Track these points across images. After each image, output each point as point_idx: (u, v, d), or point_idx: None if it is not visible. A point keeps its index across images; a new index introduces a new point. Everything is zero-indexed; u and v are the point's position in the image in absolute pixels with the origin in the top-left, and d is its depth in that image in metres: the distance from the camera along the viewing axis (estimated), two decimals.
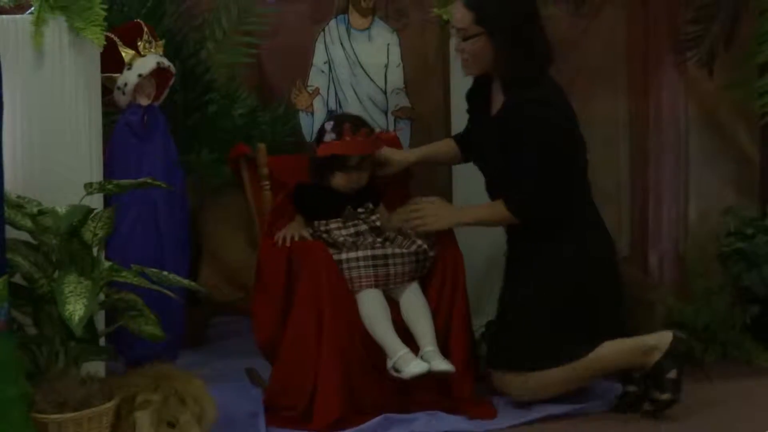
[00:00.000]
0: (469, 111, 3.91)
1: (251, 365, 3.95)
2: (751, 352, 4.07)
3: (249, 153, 3.87)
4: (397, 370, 3.51)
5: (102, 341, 3.30)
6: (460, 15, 3.65)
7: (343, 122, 3.73)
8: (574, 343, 3.60)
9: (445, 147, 3.99)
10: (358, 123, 3.76)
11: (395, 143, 4.04)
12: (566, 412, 3.61)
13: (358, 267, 3.60)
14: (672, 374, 3.59)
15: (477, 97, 3.83)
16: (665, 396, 3.58)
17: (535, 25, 3.68)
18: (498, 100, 3.72)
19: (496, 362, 3.69)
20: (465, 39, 3.65)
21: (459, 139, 3.96)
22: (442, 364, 3.51)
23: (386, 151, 3.88)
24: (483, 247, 4.03)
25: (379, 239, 3.70)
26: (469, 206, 3.81)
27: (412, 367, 3.48)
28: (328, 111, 4.18)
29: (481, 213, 3.73)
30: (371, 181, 3.82)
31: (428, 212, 3.70)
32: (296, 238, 3.66)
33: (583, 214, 3.72)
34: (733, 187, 4.49)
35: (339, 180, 3.74)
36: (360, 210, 3.77)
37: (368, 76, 4.19)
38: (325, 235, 3.71)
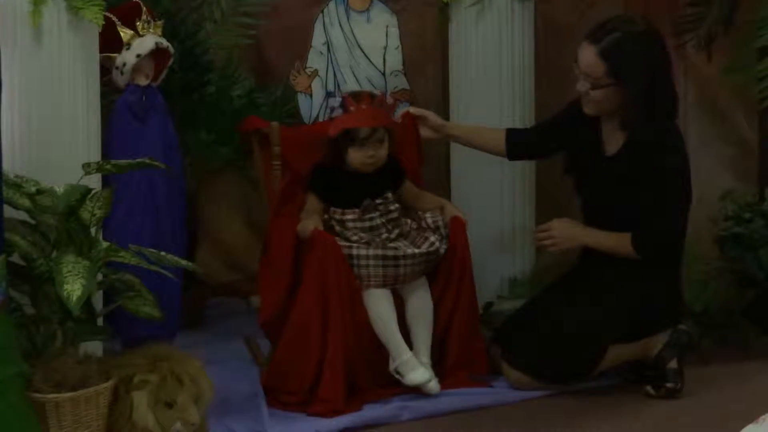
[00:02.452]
0: (557, 130, 3.84)
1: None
2: (749, 336, 4.08)
3: (263, 128, 3.79)
4: (399, 373, 3.53)
5: (100, 321, 3.30)
6: (591, 62, 3.55)
7: (348, 95, 3.76)
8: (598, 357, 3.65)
9: (492, 135, 3.93)
10: (363, 93, 3.77)
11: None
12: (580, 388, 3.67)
13: (368, 266, 3.56)
14: (673, 364, 3.63)
15: (583, 129, 3.73)
16: (669, 385, 3.61)
17: (667, 76, 3.61)
18: (614, 138, 3.67)
19: (523, 368, 3.66)
20: (594, 88, 3.58)
21: (514, 137, 3.89)
22: (432, 386, 3.54)
23: (426, 112, 3.91)
24: (482, 228, 4.02)
25: (392, 235, 3.66)
26: (597, 231, 3.72)
27: (415, 375, 3.51)
28: (327, 93, 4.15)
29: (607, 241, 3.68)
30: (392, 164, 3.75)
31: (557, 233, 3.72)
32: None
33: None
34: (731, 172, 4.50)
35: (353, 157, 3.66)
36: (378, 201, 3.69)
37: (367, 57, 4.16)
38: (338, 227, 3.65)
